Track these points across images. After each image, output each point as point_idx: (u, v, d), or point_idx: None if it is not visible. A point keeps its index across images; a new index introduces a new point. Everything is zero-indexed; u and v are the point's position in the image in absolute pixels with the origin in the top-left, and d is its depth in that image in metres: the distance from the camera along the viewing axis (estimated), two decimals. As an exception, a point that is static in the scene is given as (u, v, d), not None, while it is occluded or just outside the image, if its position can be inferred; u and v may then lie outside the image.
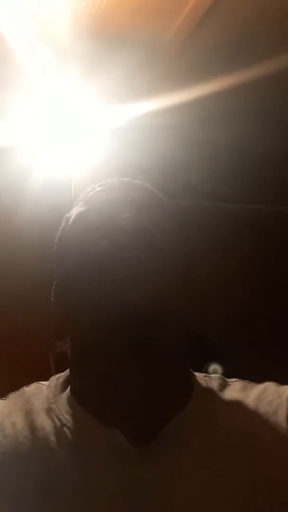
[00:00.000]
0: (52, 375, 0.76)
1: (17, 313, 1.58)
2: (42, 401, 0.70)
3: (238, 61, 1.37)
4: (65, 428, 0.66)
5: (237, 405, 0.70)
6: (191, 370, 0.74)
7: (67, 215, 0.75)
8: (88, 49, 1.36)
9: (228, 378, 0.75)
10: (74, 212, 0.74)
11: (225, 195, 1.78)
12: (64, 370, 0.75)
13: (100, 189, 0.74)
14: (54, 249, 0.75)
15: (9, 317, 1.59)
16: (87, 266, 0.66)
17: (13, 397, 0.72)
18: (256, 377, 0.76)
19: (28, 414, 0.68)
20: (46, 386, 0.73)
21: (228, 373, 0.77)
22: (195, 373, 0.74)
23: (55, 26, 1.29)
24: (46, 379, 0.76)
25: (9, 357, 1.57)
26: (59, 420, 0.67)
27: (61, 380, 0.73)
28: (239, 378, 0.75)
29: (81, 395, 0.69)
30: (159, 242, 0.67)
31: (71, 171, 1.64)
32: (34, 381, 0.76)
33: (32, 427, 0.67)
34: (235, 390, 0.72)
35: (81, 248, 0.68)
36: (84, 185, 0.78)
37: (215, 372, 0.77)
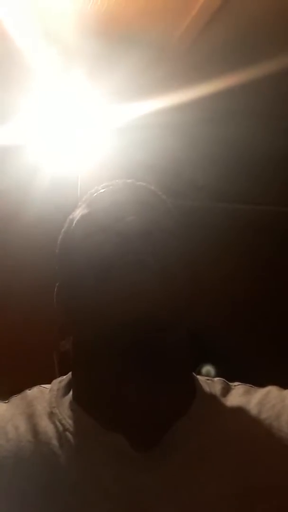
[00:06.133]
0: (55, 374, 0.76)
1: (22, 311, 1.59)
2: (45, 405, 0.70)
3: (244, 61, 1.37)
4: (67, 433, 0.66)
5: (239, 410, 0.69)
6: (193, 374, 0.73)
7: (70, 217, 0.75)
8: (95, 48, 1.36)
9: (229, 378, 0.75)
10: (77, 214, 0.73)
11: (230, 194, 1.78)
12: (68, 370, 0.74)
13: (104, 191, 0.73)
14: (57, 251, 0.75)
15: (15, 315, 1.60)
16: (91, 268, 0.66)
17: (15, 400, 0.72)
18: (257, 376, 0.76)
19: (31, 418, 0.68)
20: (48, 390, 0.72)
21: (227, 373, 0.77)
22: (197, 376, 0.74)
23: (62, 25, 1.29)
24: (50, 378, 0.76)
25: (13, 356, 1.58)
26: (62, 424, 0.67)
27: (63, 383, 0.72)
28: (238, 377, 0.75)
29: (83, 399, 0.69)
30: (163, 245, 0.67)
31: (77, 169, 1.64)
32: (38, 380, 0.75)
33: (35, 431, 0.66)
34: (237, 394, 0.71)
35: (85, 250, 0.68)
36: (91, 183, 0.77)
37: (208, 373, 0.77)
